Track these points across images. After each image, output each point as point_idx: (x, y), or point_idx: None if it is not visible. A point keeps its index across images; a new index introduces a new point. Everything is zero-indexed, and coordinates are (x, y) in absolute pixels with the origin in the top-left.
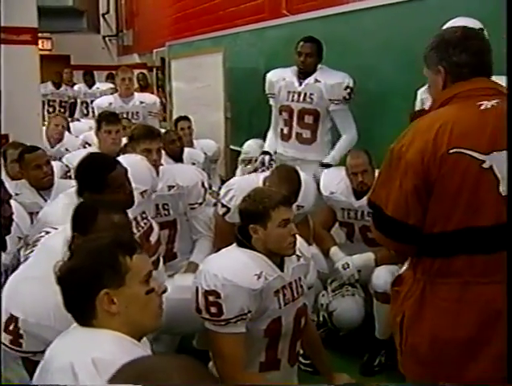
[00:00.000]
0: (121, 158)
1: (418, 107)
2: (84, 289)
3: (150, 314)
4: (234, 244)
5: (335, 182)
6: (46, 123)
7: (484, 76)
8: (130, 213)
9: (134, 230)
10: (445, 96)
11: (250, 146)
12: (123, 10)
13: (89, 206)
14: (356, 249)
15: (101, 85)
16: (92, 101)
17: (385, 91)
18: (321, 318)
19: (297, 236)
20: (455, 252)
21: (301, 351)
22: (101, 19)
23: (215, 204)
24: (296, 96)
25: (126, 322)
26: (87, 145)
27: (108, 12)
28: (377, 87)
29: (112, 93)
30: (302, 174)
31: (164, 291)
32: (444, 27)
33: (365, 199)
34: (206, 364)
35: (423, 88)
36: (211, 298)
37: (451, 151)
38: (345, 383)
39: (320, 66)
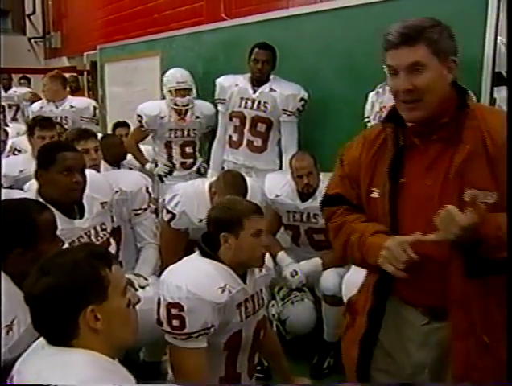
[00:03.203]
0: None
1: (368, 110)
2: (68, 307)
3: (131, 328)
4: (197, 253)
5: (280, 186)
6: None
7: None
8: (90, 221)
9: (93, 239)
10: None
11: (184, 75)
12: (50, 10)
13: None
14: (302, 253)
15: (19, 89)
16: (10, 105)
17: (325, 96)
18: (274, 328)
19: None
20: None
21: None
22: (27, 20)
23: (155, 211)
24: (250, 103)
25: (108, 339)
26: (17, 152)
27: (34, 12)
28: (317, 92)
29: (30, 98)
30: (248, 180)
31: (138, 301)
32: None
33: (310, 201)
34: (156, 376)
35: (373, 92)
36: (173, 311)
37: None
38: None
39: (272, 76)
